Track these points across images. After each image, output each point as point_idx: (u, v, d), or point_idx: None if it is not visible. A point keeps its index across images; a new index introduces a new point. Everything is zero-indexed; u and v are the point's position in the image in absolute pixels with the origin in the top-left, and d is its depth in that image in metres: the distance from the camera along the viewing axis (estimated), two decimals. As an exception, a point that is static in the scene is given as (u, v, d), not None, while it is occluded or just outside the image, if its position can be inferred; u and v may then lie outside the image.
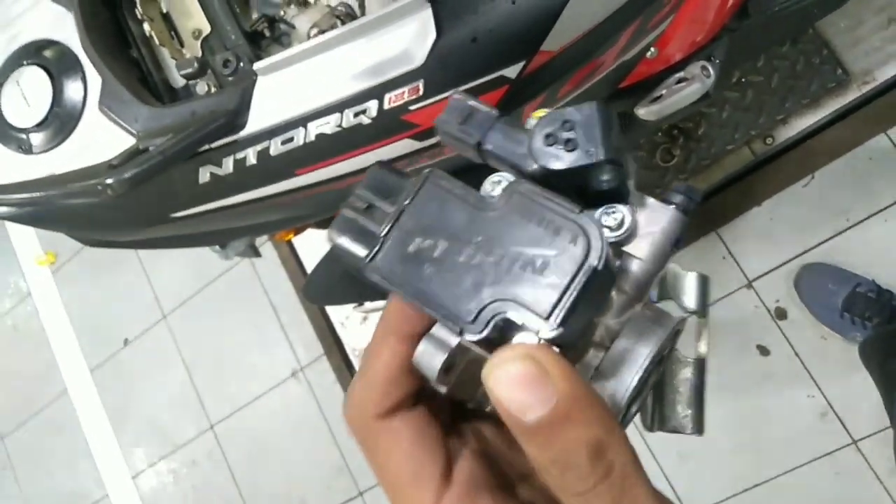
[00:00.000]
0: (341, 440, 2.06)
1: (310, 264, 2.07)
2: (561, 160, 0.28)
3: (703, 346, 0.34)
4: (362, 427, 0.30)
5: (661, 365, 0.33)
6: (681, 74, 1.02)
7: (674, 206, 0.31)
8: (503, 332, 0.26)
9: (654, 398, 0.34)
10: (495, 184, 0.29)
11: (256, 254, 1.20)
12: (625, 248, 0.31)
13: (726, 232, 1.66)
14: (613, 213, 0.30)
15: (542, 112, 0.29)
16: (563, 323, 0.24)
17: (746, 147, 1.65)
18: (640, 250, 0.30)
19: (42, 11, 0.81)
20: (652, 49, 0.93)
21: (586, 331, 0.28)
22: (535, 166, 0.28)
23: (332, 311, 2.06)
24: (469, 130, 0.29)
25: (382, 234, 0.28)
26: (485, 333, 0.25)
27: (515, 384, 0.23)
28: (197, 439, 2.28)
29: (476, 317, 0.25)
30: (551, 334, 0.24)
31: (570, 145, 0.28)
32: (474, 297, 0.26)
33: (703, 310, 0.35)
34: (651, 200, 0.31)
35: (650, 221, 0.31)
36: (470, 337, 0.25)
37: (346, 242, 0.29)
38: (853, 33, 1.57)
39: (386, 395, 0.29)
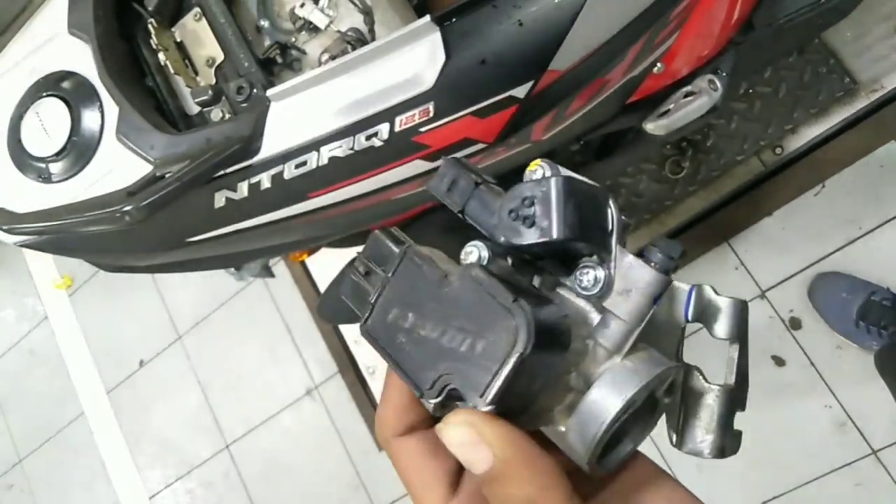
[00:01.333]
0: (356, 458, 2.06)
1: (323, 283, 2.09)
2: (521, 236, 0.30)
3: (732, 376, 0.34)
4: (385, 444, 0.34)
5: (671, 393, 0.33)
6: (688, 88, 1.02)
7: (653, 265, 0.31)
8: (456, 398, 0.28)
9: (681, 419, 0.35)
10: (468, 254, 0.32)
11: (270, 274, 1.21)
12: (605, 304, 0.31)
13: (738, 242, 1.66)
14: (587, 272, 0.31)
15: (537, 162, 0.31)
16: (495, 401, 0.27)
17: (756, 157, 1.65)
18: (619, 307, 0.31)
19: (60, 44, 0.83)
20: (659, 64, 0.94)
21: (537, 391, 0.29)
22: (502, 238, 0.30)
23: (345, 329, 2.07)
24: (454, 198, 0.32)
25: (372, 301, 0.31)
26: (439, 399, 0.28)
27: (458, 444, 0.28)
28: (212, 459, 2.29)
29: (432, 385, 0.29)
30: (486, 409, 0.27)
31: (527, 222, 0.29)
32: (431, 368, 0.29)
33: (738, 337, 0.35)
34: (630, 259, 0.31)
35: (629, 279, 0.31)
36: (428, 401, 0.29)
37: (350, 303, 0.32)
38: (859, 42, 1.57)
39: (400, 419, 0.33)
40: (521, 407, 0.29)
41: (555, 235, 0.29)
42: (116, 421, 2.46)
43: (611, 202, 0.31)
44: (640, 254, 0.31)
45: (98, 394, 2.50)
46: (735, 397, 0.34)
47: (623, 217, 0.31)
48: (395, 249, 0.31)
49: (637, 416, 0.32)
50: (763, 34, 1.09)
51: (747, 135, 1.63)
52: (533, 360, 0.27)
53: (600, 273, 0.31)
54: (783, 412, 1.60)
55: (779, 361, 1.61)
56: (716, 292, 0.35)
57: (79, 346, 2.55)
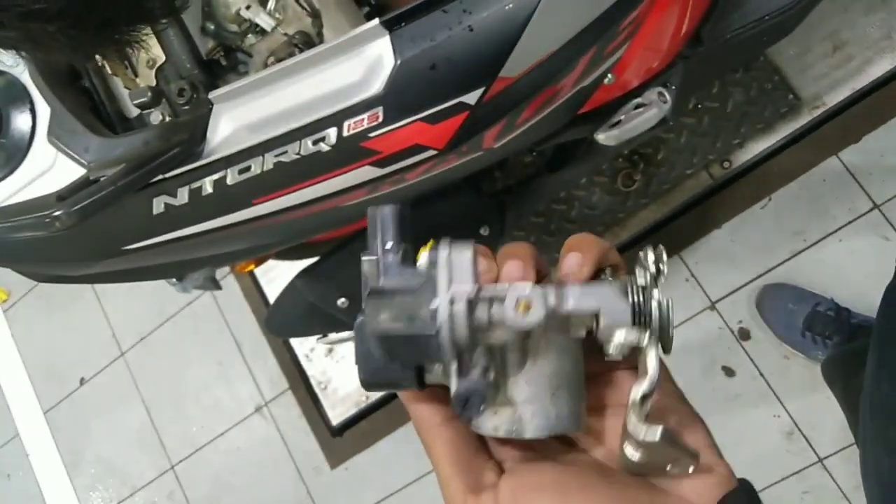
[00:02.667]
0: (307, 476, 2.01)
1: (273, 297, 2.04)
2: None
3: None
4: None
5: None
6: (639, 100, 1.03)
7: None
8: None
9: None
10: None
11: (216, 286, 1.16)
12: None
13: (688, 254, 1.68)
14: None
15: (429, 245, 0.34)
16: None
17: (705, 171, 1.68)
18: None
19: (-12, 41, 0.79)
20: (609, 76, 0.94)
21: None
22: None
23: (296, 344, 2.02)
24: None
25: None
26: None
27: None
28: (157, 480, 2.20)
29: None
30: None
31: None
32: None
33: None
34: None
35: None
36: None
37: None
38: (802, 60, 1.62)
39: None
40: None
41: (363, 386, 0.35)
42: (54, 442, 2.35)
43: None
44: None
45: (34, 413, 2.38)
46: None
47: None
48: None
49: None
50: (711, 49, 1.11)
51: (696, 149, 1.67)
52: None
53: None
54: (733, 422, 1.63)
55: (729, 372, 1.64)
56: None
57: (14, 363, 2.43)
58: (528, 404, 0.35)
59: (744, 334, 1.64)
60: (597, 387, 0.38)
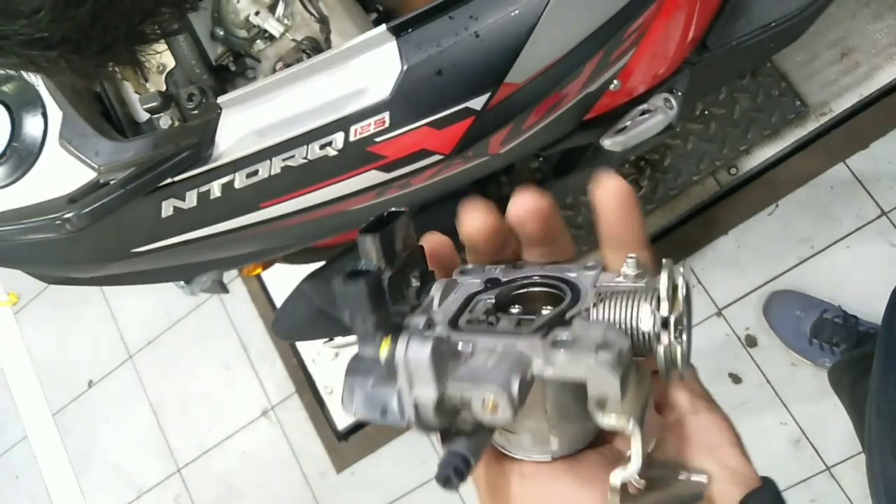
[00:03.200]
0: (313, 480, 2.01)
1: (280, 300, 2.05)
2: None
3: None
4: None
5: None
6: (644, 106, 1.03)
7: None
8: None
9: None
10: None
11: (224, 290, 1.17)
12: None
13: (695, 261, 1.68)
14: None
15: (387, 342, 0.31)
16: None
17: (712, 177, 1.68)
18: None
19: (2, 46, 0.80)
20: (615, 81, 0.95)
21: None
22: None
23: (303, 347, 2.03)
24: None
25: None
26: None
27: None
28: (163, 483, 2.21)
29: None
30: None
31: None
32: None
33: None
34: None
35: None
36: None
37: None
38: (809, 67, 1.62)
39: None
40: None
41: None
42: (62, 444, 2.36)
43: None
44: None
45: (43, 416, 2.40)
46: None
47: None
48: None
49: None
50: (717, 55, 1.12)
51: (703, 155, 1.67)
52: None
53: None
54: (739, 429, 1.60)
55: (735, 379, 1.63)
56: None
57: (24, 365, 2.45)
58: (528, 433, 0.34)
59: (751, 341, 1.63)
60: None
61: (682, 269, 0.32)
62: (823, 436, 1.57)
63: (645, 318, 0.30)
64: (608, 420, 0.29)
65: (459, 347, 0.31)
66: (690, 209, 1.69)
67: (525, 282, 0.35)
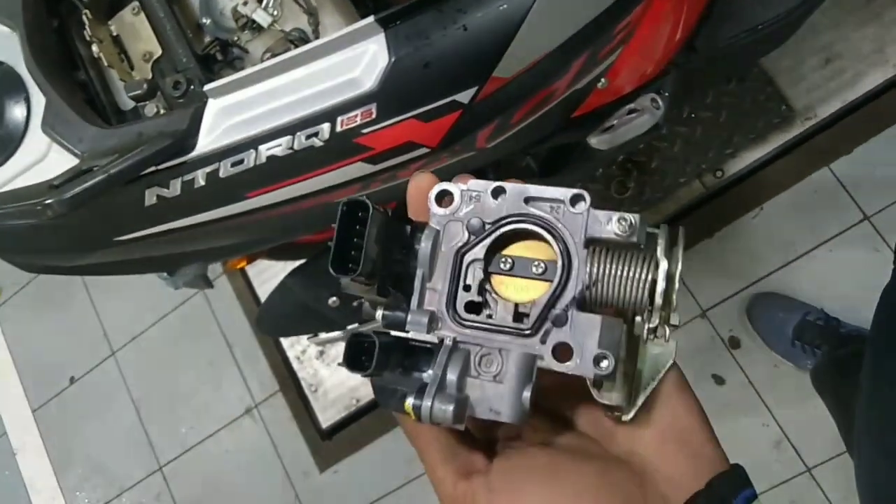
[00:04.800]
0: (296, 479, 2.00)
1: (265, 297, 2.03)
2: None
3: None
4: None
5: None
6: (631, 106, 1.04)
7: None
8: None
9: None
10: None
11: (208, 285, 1.16)
12: None
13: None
14: None
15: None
16: None
17: (698, 180, 1.69)
18: None
19: (-15, 31, 0.79)
20: (603, 80, 0.95)
21: None
22: None
23: (287, 345, 2.02)
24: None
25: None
26: None
27: None
28: (145, 481, 2.19)
29: None
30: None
31: None
32: None
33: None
34: None
35: None
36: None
37: None
38: (795, 72, 1.64)
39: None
40: None
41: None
42: (42, 441, 2.33)
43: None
44: None
45: (23, 411, 2.37)
46: None
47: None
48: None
49: None
50: (704, 57, 1.13)
51: (689, 158, 1.68)
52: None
53: None
54: (721, 430, 1.59)
55: (718, 380, 1.64)
56: None
57: (3, 360, 2.42)
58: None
59: (734, 343, 1.64)
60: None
61: (680, 231, 0.35)
62: (804, 437, 1.58)
63: (643, 284, 0.34)
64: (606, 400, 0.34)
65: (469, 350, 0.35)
66: (676, 211, 1.70)
67: (507, 230, 0.36)
